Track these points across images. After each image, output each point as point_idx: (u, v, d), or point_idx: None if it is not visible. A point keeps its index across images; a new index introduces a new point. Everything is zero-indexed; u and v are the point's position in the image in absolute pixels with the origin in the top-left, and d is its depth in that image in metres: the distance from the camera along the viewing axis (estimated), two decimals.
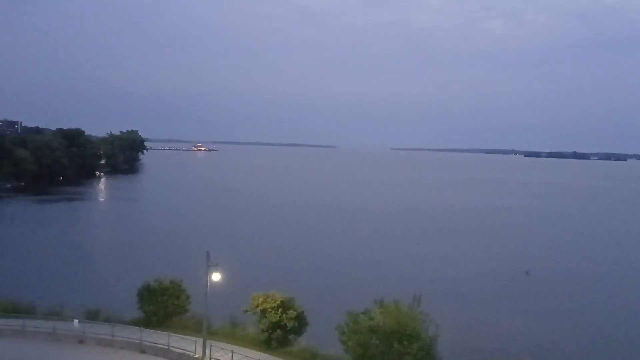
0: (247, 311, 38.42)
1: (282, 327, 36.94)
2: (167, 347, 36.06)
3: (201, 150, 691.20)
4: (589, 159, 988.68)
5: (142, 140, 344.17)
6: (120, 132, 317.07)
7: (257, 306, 37.35)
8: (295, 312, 37.28)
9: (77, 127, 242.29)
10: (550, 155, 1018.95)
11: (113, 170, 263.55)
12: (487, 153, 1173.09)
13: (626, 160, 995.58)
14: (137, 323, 39.99)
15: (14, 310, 41.33)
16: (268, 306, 36.90)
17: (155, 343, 36.66)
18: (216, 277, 34.93)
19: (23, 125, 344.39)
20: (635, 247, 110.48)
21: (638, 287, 78.02)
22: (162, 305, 40.65)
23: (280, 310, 36.79)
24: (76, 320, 39.18)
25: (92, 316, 41.73)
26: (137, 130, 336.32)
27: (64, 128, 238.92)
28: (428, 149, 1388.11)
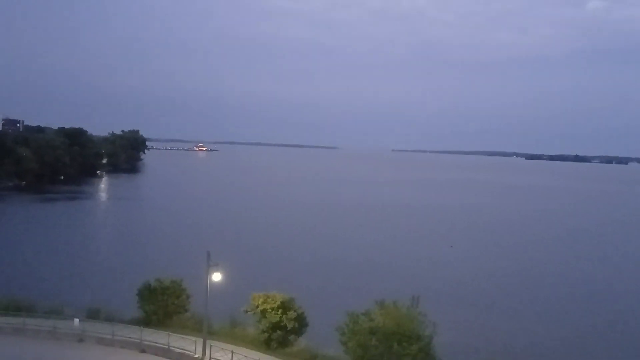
0: (247, 311, 38.44)
1: (282, 328, 36.97)
2: (167, 346, 36.13)
3: (202, 150, 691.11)
4: (590, 162, 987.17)
5: (144, 140, 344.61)
6: (122, 131, 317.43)
7: (257, 306, 37.37)
8: (295, 313, 37.31)
9: (79, 126, 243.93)
10: (552, 158, 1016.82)
11: (114, 169, 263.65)
12: (489, 155, 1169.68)
13: (627, 163, 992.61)
14: (138, 322, 40.06)
15: (15, 309, 41.39)
16: (268, 306, 36.92)
17: (156, 342, 36.72)
18: (217, 277, 35.01)
19: (25, 124, 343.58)
20: (632, 249, 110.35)
21: (635, 287, 77.97)
22: (163, 305, 40.71)
23: (280, 310, 36.80)
24: (76, 319, 39.27)
25: (92, 315, 41.81)
26: (139, 130, 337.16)
27: (66, 127, 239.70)
28: (429, 151, 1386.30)
